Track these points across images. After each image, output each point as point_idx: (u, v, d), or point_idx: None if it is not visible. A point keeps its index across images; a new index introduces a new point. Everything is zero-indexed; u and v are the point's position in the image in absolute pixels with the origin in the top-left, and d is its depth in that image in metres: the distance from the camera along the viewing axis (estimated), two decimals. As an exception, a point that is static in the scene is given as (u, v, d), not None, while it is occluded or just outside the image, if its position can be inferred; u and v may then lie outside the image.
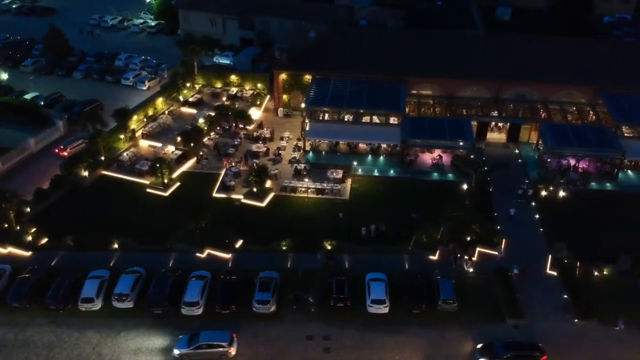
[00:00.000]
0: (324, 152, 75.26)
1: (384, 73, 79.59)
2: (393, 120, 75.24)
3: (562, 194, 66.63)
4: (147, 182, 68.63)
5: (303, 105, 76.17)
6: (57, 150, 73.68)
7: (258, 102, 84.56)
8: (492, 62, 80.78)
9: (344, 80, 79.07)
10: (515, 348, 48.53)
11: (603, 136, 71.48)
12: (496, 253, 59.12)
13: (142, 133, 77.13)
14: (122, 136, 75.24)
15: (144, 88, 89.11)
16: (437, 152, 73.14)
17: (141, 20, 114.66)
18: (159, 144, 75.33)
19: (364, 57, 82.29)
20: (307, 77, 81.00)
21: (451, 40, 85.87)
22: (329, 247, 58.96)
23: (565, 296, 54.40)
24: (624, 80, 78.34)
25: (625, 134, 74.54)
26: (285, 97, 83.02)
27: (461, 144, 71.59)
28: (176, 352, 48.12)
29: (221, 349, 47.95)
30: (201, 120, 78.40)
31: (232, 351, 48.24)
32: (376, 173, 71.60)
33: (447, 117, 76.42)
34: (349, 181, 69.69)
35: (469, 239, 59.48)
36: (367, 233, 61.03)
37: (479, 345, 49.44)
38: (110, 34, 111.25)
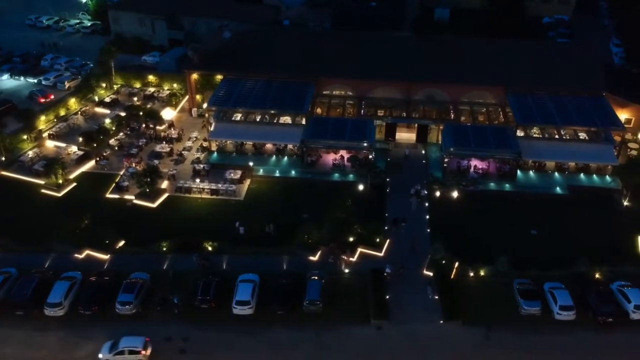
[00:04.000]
0: (234, 153, 74.89)
1: (295, 73, 79.26)
2: (304, 121, 74.85)
3: (455, 194, 66.36)
4: (42, 182, 68.16)
5: (205, 105, 75.90)
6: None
7: (174, 102, 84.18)
8: (405, 63, 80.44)
9: (254, 81, 78.80)
10: None
11: (503, 137, 71.26)
12: (378, 254, 58.91)
13: (48, 134, 76.67)
14: (25, 137, 74.68)
15: (64, 88, 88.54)
16: (339, 153, 72.80)
17: (76, 21, 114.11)
18: (63, 145, 74.87)
19: (277, 57, 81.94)
20: (219, 78, 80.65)
21: (369, 41, 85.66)
22: (209, 248, 58.68)
23: (437, 297, 54.17)
24: (534, 81, 78.29)
25: (535, 135, 74.48)
26: (199, 97, 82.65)
27: (364, 144, 71.24)
28: None
29: None
30: (108, 121, 78.03)
31: None
32: (277, 174, 71.26)
33: (351, 118, 76.16)
34: (247, 182, 69.38)
35: (351, 239, 59.29)
36: (245, 232, 61.00)
37: None
38: (45, 35, 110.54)
